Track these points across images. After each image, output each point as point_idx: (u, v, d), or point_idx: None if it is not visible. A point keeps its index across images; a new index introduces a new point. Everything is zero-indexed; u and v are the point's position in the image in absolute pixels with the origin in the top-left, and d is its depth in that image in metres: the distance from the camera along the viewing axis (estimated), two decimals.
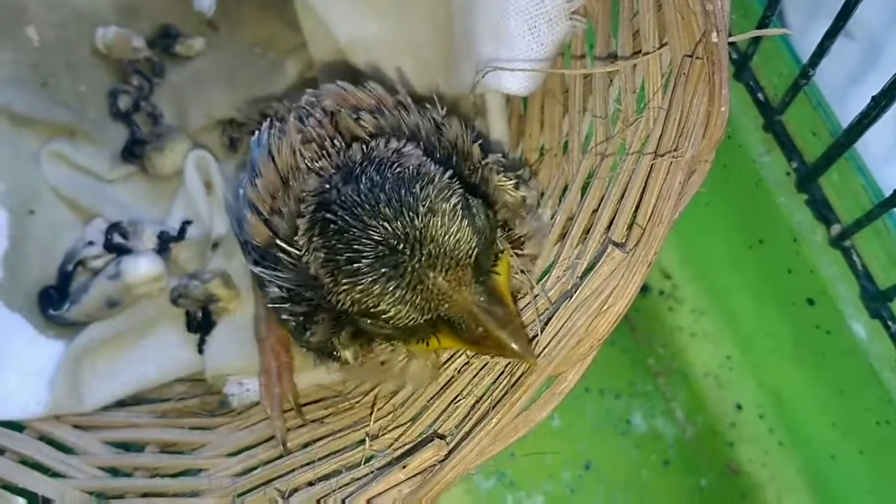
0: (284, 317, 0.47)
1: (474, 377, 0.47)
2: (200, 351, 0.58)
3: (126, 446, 0.56)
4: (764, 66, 0.60)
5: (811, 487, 0.69)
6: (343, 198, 0.41)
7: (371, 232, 0.40)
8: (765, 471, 0.71)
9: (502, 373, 0.46)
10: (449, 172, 0.42)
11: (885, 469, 0.61)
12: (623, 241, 0.44)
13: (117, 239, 0.59)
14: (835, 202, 0.58)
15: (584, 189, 0.50)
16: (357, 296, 0.40)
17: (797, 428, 0.70)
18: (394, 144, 0.44)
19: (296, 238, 0.43)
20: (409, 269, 0.39)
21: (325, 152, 0.46)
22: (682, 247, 0.75)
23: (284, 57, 0.68)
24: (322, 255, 0.41)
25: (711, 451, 0.72)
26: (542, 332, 0.44)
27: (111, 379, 0.57)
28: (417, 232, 0.39)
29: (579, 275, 0.45)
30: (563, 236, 0.50)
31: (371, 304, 0.40)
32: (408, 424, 0.48)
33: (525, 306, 0.47)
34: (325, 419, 0.52)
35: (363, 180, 0.41)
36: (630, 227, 0.44)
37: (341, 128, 0.48)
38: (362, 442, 0.48)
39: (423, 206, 0.40)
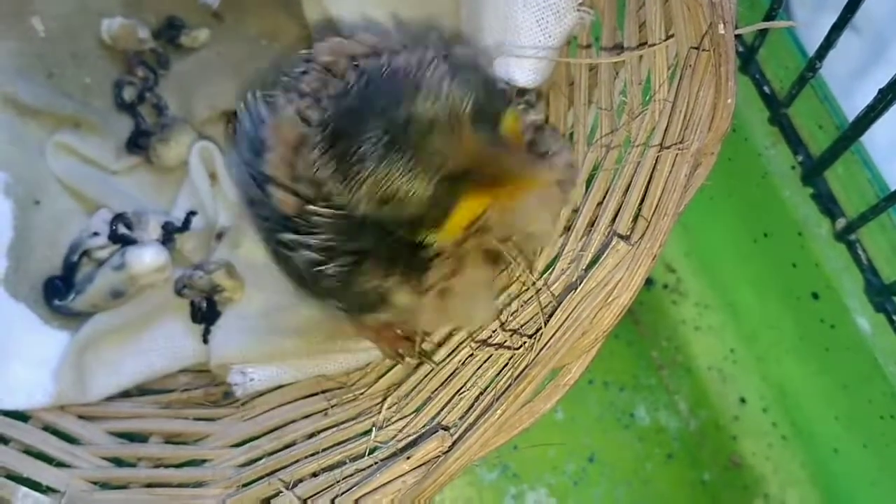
0: (328, 278, 0.46)
1: (478, 369, 0.47)
2: (205, 341, 0.58)
3: (130, 436, 0.56)
4: (770, 58, 0.60)
5: (814, 481, 0.69)
6: (339, 110, 0.43)
7: (367, 125, 0.40)
8: (768, 464, 0.71)
9: (506, 365, 0.46)
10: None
11: (888, 463, 0.61)
12: (628, 233, 0.44)
13: (122, 230, 0.60)
14: (840, 196, 0.58)
15: (589, 181, 0.50)
16: (370, 188, 0.41)
17: (801, 422, 0.70)
18: (384, 58, 0.44)
19: (324, 186, 0.43)
20: (407, 139, 0.40)
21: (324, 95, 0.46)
22: (686, 240, 0.75)
23: (290, 48, 0.68)
24: (333, 166, 0.42)
25: (715, 445, 0.72)
26: (546, 324, 0.44)
27: (116, 369, 0.57)
28: (408, 111, 0.40)
29: (584, 267, 0.45)
30: (567, 228, 0.50)
31: (385, 191, 0.40)
32: (412, 416, 0.48)
33: (529, 298, 0.47)
34: (329, 411, 0.52)
35: (353, 91, 0.43)
36: (635, 220, 0.44)
37: (337, 74, 0.48)
38: (366, 433, 0.49)
39: (409, 87, 0.41)
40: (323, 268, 0.46)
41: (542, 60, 0.52)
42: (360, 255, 0.45)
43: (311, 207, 0.44)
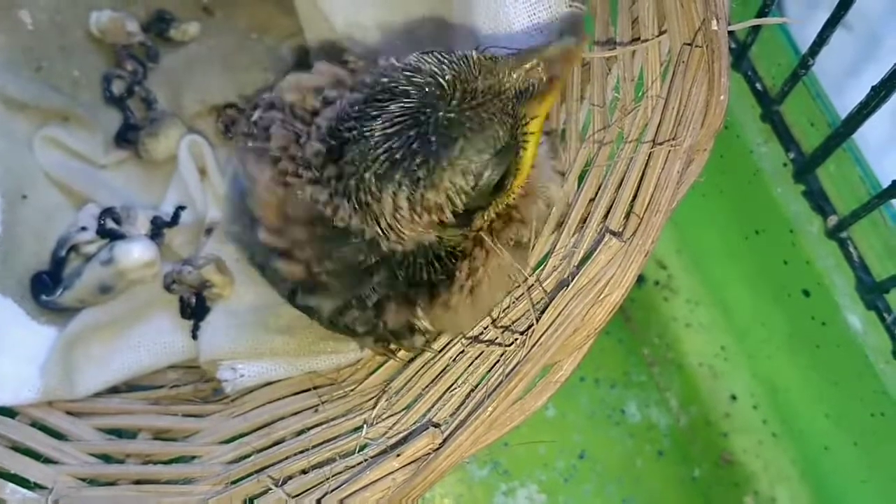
0: (353, 325, 0.47)
1: (469, 366, 0.47)
2: (194, 337, 0.58)
3: (119, 433, 0.55)
4: (762, 55, 0.60)
5: (805, 478, 0.70)
6: (350, 114, 0.41)
7: (395, 122, 0.40)
8: (758, 461, 0.71)
9: (497, 361, 0.45)
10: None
11: (879, 460, 0.62)
12: (620, 230, 0.44)
13: (110, 224, 0.59)
14: (832, 193, 0.58)
15: (582, 177, 0.49)
16: (462, 176, 0.40)
17: (791, 419, 0.70)
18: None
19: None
20: (460, 107, 0.40)
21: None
22: (677, 237, 0.75)
23: (280, 42, 0.67)
24: (404, 192, 0.40)
25: (705, 442, 0.72)
26: (537, 320, 0.43)
27: (104, 365, 0.57)
28: (428, 89, 0.40)
29: (576, 264, 0.45)
30: (560, 225, 0.50)
31: (477, 163, 0.40)
32: (402, 413, 0.48)
33: (521, 295, 0.47)
34: (319, 407, 0.52)
35: (346, 122, 0.41)
36: (627, 216, 0.44)
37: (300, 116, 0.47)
38: (356, 430, 0.48)
39: (406, 70, 0.40)
40: (347, 315, 0.46)
41: None
42: (377, 305, 0.46)
43: (319, 269, 0.45)
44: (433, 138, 0.39)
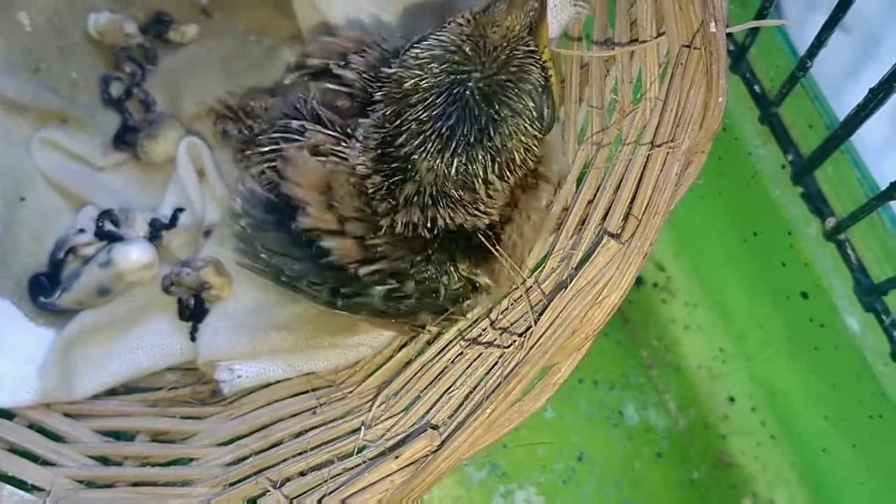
0: (412, 296, 0.48)
1: (468, 368, 0.47)
2: (193, 339, 0.58)
3: (116, 435, 0.55)
4: (761, 57, 0.60)
5: (803, 480, 0.70)
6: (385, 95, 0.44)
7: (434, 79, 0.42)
8: (757, 463, 0.71)
9: (496, 363, 0.45)
10: None
11: (877, 462, 0.61)
12: (619, 231, 0.44)
13: (108, 226, 0.59)
14: (830, 195, 0.58)
15: (580, 179, 0.50)
16: (528, 126, 0.44)
17: (790, 421, 0.70)
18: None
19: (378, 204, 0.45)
20: (492, 70, 0.42)
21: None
22: (676, 239, 0.75)
23: (279, 44, 0.67)
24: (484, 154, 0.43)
25: (704, 444, 0.72)
26: (536, 322, 0.43)
27: (102, 367, 0.57)
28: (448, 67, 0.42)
29: (574, 265, 0.45)
30: (558, 226, 0.50)
31: (533, 108, 0.43)
32: (400, 415, 0.48)
33: (519, 297, 0.47)
34: (317, 409, 0.52)
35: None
36: (626, 218, 0.44)
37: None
38: (355, 432, 0.48)
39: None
40: (401, 291, 0.47)
41: None
42: (434, 262, 0.47)
43: (374, 241, 0.46)
44: (493, 108, 0.42)
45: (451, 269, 0.47)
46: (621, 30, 0.50)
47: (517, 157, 0.44)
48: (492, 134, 0.43)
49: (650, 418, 0.73)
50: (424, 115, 0.42)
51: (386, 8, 0.59)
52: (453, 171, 0.43)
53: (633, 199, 0.44)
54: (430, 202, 0.44)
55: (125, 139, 0.63)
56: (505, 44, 0.42)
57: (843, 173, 0.58)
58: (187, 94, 0.65)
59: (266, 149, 0.50)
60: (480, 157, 0.43)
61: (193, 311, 0.58)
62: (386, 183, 0.45)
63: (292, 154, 0.47)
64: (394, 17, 0.60)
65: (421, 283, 0.47)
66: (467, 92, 0.42)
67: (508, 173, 0.44)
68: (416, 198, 0.44)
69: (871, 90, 0.47)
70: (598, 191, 0.47)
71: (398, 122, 0.43)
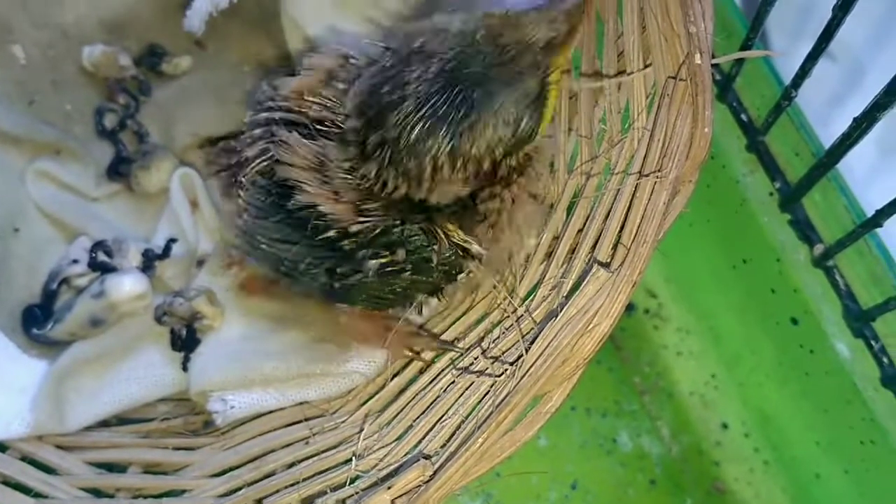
0: (403, 273, 0.48)
1: (460, 397, 0.47)
2: (185, 369, 0.58)
3: (109, 467, 0.55)
4: (747, 87, 0.61)
5: None
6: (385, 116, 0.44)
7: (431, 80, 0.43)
8: (750, 489, 0.71)
9: (488, 392, 0.46)
10: None
11: (869, 488, 0.62)
12: (608, 260, 0.44)
13: (102, 257, 0.59)
14: (817, 222, 0.59)
15: (570, 208, 0.50)
16: (504, 122, 0.43)
17: (782, 447, 0.70)
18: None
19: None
20: (494, 61, 0.43)
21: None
22: (667, 266, 0.75)
23: (272, 74, 0.68)
24: (421, 156, 0.43)
25: (697, 470, 0.72)
26: (527, 351, 0.44)
27: (94, 398, 0.56)
28: (457, 41, 0.43)
29: (565, 294, 0.45)
30: (548, 255, 0.50)
31: (516, 114, 0.44)
32: (393, 444, 0.48)
33: (510, 326, 0.47)
34: (310, 439, 0.52)
35: (379, 84, 0.44)
36: (615, 247, 0.45)
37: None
38: (348, 462, 0.48)
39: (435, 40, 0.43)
40: (394, 260, 0.47)
41: None
42: (425, 222, 0.47)
43: (367, 205, 0.46)
44: (475, 93, 0.42)
45: (442, 234, 0.47)
46: (609, 61, 0.51)
47: (475, 151, 0.44)
48: (460, 115, 0.42)
49: (643, 445, 0.73)
50: (415, 74, 0.43)
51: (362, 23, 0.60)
52: (413, 136, 0.43)
53: (622, 228, 0.45)
54: (387, 161, 0.44)
55: (119, 170, 0.64)
56: (515, 46, 0.43)
57: (830, 201, 0.59)
58: (181, 125, 0.65)
59: (258, 132, 0.51)
60: (440, 133, 0.43)
61: (185, 342, 0.58)
62: (362, 127, 0.45)
63: (284, 136, 0.48)
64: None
65: (412, 252, 0.47)
66: (461, 70, 0.42)
67: (461, 166, 0.44)
68: (378, 151, 0.44)
69: (854, 119, 0.48)
70: (587, 220, 0.48)
71: (393, 72, 0.44)
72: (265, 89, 0.52)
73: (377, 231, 0.46)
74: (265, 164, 0.50)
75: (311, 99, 0.49)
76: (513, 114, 0.43)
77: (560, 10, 0.44)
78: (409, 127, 0.43)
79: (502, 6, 0.45)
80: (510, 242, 0.50)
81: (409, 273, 0.48)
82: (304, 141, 0.47)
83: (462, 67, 0.42)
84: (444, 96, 0.42)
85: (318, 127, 0.47)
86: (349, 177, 0.46)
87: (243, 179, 0.51)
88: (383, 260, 0.47)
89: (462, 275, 0.50)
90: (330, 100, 0.48)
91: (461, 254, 0.48)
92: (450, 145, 0.43)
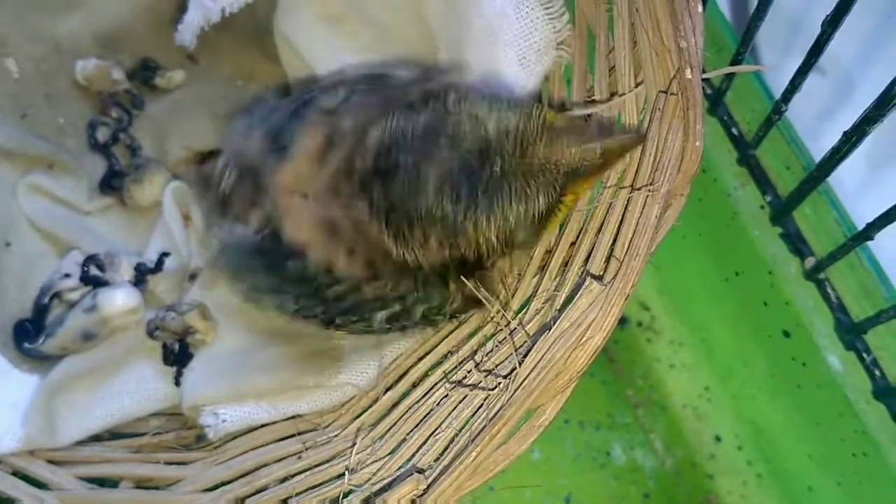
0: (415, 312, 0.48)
1: (453, 410, 0.47)
2: (177, 383, 0.58)
3: (101, 482, 0.55)
4: (738, 101, 0.61)
5: None
6: (397, 183, 0.42)
7: (447, 167, 0.41)
8: (743, 502, 0.71)
9: (481, 406, 0.46)
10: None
11: (861, 500, 0.62)
12: (601, 273, 0.44)
13: (94, 271, 0.59)
14: (808, 235, 0.59)
15: (563, 222, 0.50)
16: (494, 233, 0.42)
17: (775, 459, 0.70)
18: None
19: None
20: (516, 169, 0.41)
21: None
22: (659, 278, 0.75)
23: (265, 90, 0.68)
24: (433, 232, 0.42)
25: (691, 484, 0.72)
26: (520, 364, 0.44)
27: (86, 413, 0.56)
28: (488, 135, 0.41)
29: (558, 307, 0.45)
30: (542, 268, 0.50)
31: (511, 225, 0.42)
32: (386, 458, 0.48)
33: (503, 339, 0.47)
34: (303, 454, 0.52)
35: (401, 146, 0.42)
36: (608, 260, 0.45)
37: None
38: (340, 476, 0.48)
39: (467, 122, 0.41)
40: (405, 316, 0.47)
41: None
42: (444, 283, 0.46)
43: (380, 264, 0.45)
44: (480, 191, 0.41)
45: (454, 290, 0.47)
46: (600, 75, 0.51)
47: (462, 243, 0.43)
48: (460, 208, 0.41)
49: (637, 458, 0.73)
50: (430, 152, 0.41)
51: (371, 60, 0.60)
52: (412, 207, 0.42)
53: (615, 241, 0.45)
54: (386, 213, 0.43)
55: (111, 184, 0.64)
56: (540, 163, 0.41)
57: (821, 214, 0.59)
58: (174, 139, 0.66)
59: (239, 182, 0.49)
60: (437, 216, 0.41)
61: (178, 356, 0.58)
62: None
63: (285, 203, 0.46)
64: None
65: (427, 309, 0.47)
66: (474, 162, 0.41)
67: (445, 246, 0.43)
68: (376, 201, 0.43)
69: (844, 133, 0.48)
70: (580, 233, 0.48)
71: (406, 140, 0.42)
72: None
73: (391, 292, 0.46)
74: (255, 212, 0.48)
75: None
76: (509, 226, 0.42)
77: (601, 145, 0.42)
78: (412, 197, 0.41)
79: (552, 103, 0.44)
80: (504, 266, 0.49)
81: (417, 321, 0.48)
82: (307, 204, 0.45)
83: (482, 159, 0.41)
84: (454, 183, 0.41)
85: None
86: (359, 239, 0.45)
87: (218, 235, 0.50)
88: (393, 310, 0.47)
89: (471, 313, 0.51)
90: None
91: (471, 303, 0.48)
92: (441, 231, 0.42)
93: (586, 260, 0.46)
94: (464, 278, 0.46)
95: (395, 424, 0.50)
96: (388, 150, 0.42)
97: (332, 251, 0.45)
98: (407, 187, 0.41)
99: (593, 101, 0.51)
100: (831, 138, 0.50)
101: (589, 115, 0.50)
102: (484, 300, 0.48)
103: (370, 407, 0.53)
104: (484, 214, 0.41)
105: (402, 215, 0.42)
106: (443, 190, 0.41)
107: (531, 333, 0.46)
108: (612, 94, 0.49)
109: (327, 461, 0.51)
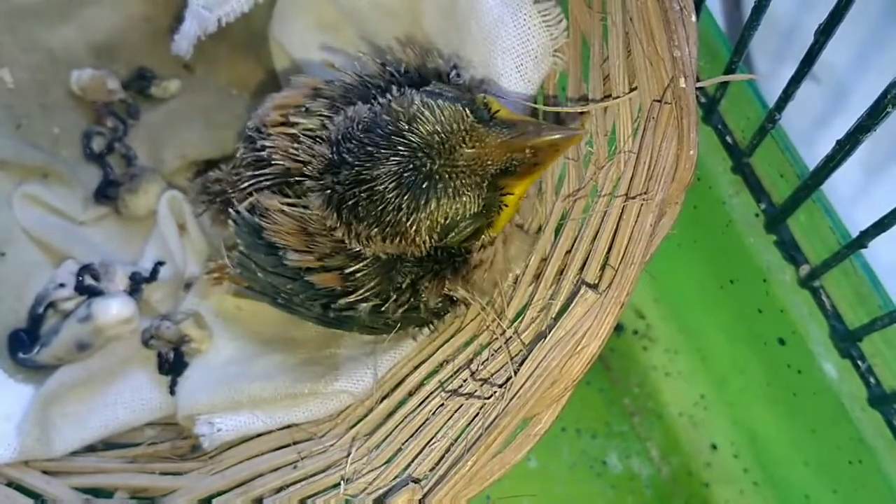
0: (394, 315, 0.49)
1: (449, 419, 0.47)
2: (172, 393, 0.58)
3: (95, 492, 0.55)
4: (731, 109, 0.61)
5: None
6: (343, 177, 0.43)
7: (375, 174, 0.42)
8: None
9: (477, 414, 0.46)
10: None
11: None
12: (596, 282, 0.44)
13: (88, 281, 0.59)
14: (803, 243, 0.59)
15: (558, 230, 0.50)
16: (428, 231, 0.43)
17: (771, 467, 0.70)
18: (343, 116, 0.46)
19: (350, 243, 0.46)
20: (440, 170, 0.42)
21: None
22: (655, 286, 0.75)
23: (260, 98, 0.68)
24: (376, 228, 0.44)
25: (687, 492, 0.72)
26: (516, 373, 0.44)
27: (81, 423, 0.56)
28: (418, 138, 0.42)
29: (553, 316, 0.45)
30: (537, 277, 0.50)
31: (443, 225, 0.43)
32: (382, 468, 0.48)
33: (498, 348, 0.47)
34: (298, 463, 0.52)
35: (348, 143, 0.43)
36: (603, 269, 0.45)
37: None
38: (336, 486, 0.48)
39: (404, 116, 0.42)
40: (385, 307, 0.48)
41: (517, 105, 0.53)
42: (413, 286, 0.48)
43: (353, 269, 0.47)
44: (410, 191, 0.42)
45: (425, 289, 0.48)
46: (595, 84, 0.51)
47: (400, 240, 0.44)
48: (397, 209, 0.43)
49: (633, 467, 0.73)
50: (380, 161, 0.42)
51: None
52: (354, 200, 0.43)
53: (610, 249, 0.45)
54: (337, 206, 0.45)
55: (106, 193, 0.64)
56: (467, 164, 0.42)
57: (815, 221, 0.59)
58: (169, 148, 0.66)
59: (245, 185, 0.52)
60: (375, 212, 0.43)
61: (173, 365, 0.58)
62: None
63: (266, 204, 0.49)
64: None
65: (402, 305, 0.49)
66: (419, 156, 0.42)
67: (389, 241, 0.44)
68: (331, 196, 0.45)
69: (837, 142, 0.48)
70: (575, 242, 0.48)
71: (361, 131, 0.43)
72: (252, 122, 0.53)
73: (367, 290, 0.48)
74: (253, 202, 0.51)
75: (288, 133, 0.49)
76: (440, 224, 0.43)
77: (532, 143, 0.42)
78: (355, 190, 0.43)
79: (486, 94, 0.44)
80: (500, 271, 0.51)
81: (399, 316, 0.49)
82: (287, 208, 0.48)
83: (423, 158, 0.42)
84: (394, 180, 0.42)
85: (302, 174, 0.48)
86: (332, 235, 0.47)
87: (232, 215, 0.51)
88: (374, 304, 0.48)
89: (450, 313, 0.52)
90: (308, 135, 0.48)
91: (448, 301, 0.50)
92: (378, 227, 0.43)
93: (581, 268, 0.46)
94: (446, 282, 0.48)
95: (390, 434, 0.50)
96: (339, 142, 0.44)
97: (305, 261, 0.48)
98: (349, 182, 0.43)
99: (586, 102, 0.51)
100: (825, 146, 0.50)
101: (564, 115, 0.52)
102: (462, 300, 0.50)
103: (366, 416, 0.53)
104: (415, 213, 0.42)
105: (348, 209, 0.44)
106: (376, 188, 0.42)
107: (527, 342, 0.46)
108: (607, 97, 0.50)
109: (323, 471, 0.50)
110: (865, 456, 0.58)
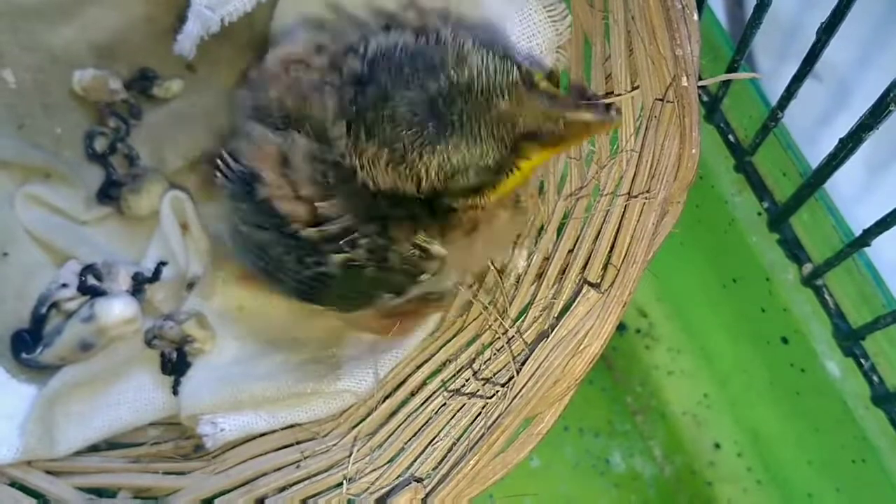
0: (365, 269, 0.48)
1: (452, 419, 0.47)
2: (175, 392, 0.58)
3: (98, 492, 0.55)
4: (734, 108, 0.61)
5: None
6: (369, 92, 0.43)
7: (401, 102, 0.42)
8: None
9: (479, 414, 0.46)
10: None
11: None
12: (598, 281, 0.44)
13: (91, 281, 0.59)
14: (806, 242, 0.59)
15: (560, 229, 0.50)
16: (435, 168, 0.43)
17: (775, 466, 0.70)
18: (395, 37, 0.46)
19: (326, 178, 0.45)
20: (472, 112, 0.41)
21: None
22: (658, 285, 0.75)
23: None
24: (385, 151, 0.43)
25: (691, 491, 0.72)
26: (518, 372, 0.44)
27: (84, 423, 0.56)
28: (461, 77, 0.41)
29: (555, 315, 0.45)
30: (539, 276, 0.50)
31: (454, 163, 0.43)
32: (385, 467, 0.48)
33: (501, 347, 0.47)
34: (301, 463, 0.52)
35: (385, 63, 0.43)
36: (605, 268, 0.45)
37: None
38: (339, 486, 0.48)
39: (454, 53, 0.42)
40: (355, 257, 0.47)
41: None
42: (383, 224, 0.46)
43: (323, 204, 0.45)
44: (434, 124, 0.42)
45: (396, 227, 0.47)
46: (597, 83, 0.51)
47: (407, 174, 0.43)
48: (413, 141, 0.42)
49: (636, 466, 0.73)
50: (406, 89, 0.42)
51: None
52: (372, 121, 0.43)
53: (612, 248, 0.45)
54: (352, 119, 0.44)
55: (109, 193, 0.64)
56: (498, 118, 0.42)
57: (818, 220, 0.59)
58: (171, 148, 0.66)
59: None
60: (388, 136, 0.43)
61: (176, 365, 0.58)
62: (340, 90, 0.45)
63: (249, 129, 0.48)
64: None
65: (372, 251, 0.47)
66: (442, 108, 0.42)
67: (393, 171, 0.44)
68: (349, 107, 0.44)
69: (840, 140, 0.48)
70: (577, 241, 0.48)
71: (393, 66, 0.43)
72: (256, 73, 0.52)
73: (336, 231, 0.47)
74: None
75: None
76: (449, 166, 0.43)
77: (568, 117, 0.42)
78: (377, 110, 0.43)
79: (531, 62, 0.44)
80: (488, 249, 0.50)
81: (371, 270, 0.48)
82: (270, 135, 0.47)
83: (446, 99, 0.42)
84: (416, 112, 0.42)
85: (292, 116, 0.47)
86: (314, 165, 0.46)
87: (221, 167, 0.51)
88: (346, 254, 0.47)
89: (425, 275, 0.50)
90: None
91: (421, 254, 0.48)
92: (388, 153, 0.43)
93: (584, 267, 0.46)
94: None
95: (393, 433, 0.50)
96: (374, 60, 0.44)
97: (277, 189, 0.47)
98: (375, 100, 0.43)
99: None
100: (828, 144, 0.50)
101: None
102: (436, 255, 0.48)
103: (368, 416, 0.53)
104: (430, 147, 0.42)
105: (361, 125, 0.43)
106: (401, 110, 0.42)
107: (529, 341, 0.46)
108: (609, 94, 0.49)
109: (326, 470, 0.50)
110: (869, 454, 0.58)
